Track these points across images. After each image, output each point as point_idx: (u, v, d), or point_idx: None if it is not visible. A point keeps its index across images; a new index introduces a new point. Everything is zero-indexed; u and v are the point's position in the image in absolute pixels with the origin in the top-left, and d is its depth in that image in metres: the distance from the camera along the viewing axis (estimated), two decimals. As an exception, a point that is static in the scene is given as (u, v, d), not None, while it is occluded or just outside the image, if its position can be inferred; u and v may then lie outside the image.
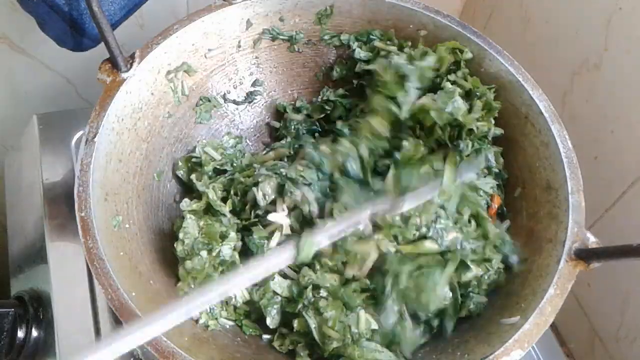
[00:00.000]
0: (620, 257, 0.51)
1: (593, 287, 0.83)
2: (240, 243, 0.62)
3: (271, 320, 0.59)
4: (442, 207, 0.61)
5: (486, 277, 0.59)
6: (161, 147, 0.67)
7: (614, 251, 0.52)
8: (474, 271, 0.59)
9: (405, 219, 0.59)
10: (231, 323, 0.61)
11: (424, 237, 0.59)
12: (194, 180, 0.66)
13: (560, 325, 0.87)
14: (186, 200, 0.63)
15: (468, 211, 0.62)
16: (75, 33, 0.64)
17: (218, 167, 0.68)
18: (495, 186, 0.65)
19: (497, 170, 0.67)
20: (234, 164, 0.69)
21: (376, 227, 0.60)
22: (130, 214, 0.60)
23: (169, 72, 0.66)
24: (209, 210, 0.63)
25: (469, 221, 0.62)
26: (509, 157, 0.67)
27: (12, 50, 0.83)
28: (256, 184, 0.63)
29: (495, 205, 0.65)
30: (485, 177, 0.65)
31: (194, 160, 0.68)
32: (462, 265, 0.59)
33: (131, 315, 0.49)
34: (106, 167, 0.58)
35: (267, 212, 0.62)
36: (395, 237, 0.59)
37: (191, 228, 0.59)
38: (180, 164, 0.68)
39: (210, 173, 0.67)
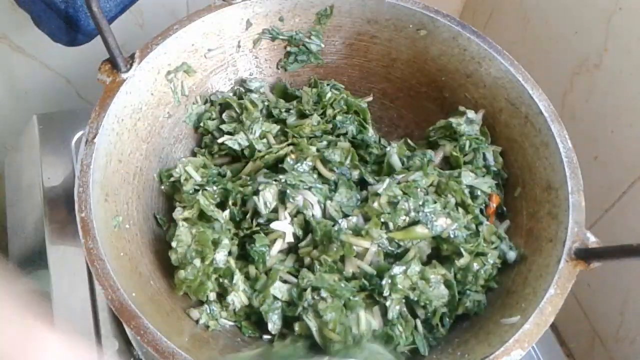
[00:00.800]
0: (620, 257, 0.51)
1: (593, 287, 0.83)
2: (235, 248, 0.62)
3: (272, 326, 0.59)
4: (426, 191, 0.62)
5: (482, 272, 0.59)
6: (161, 147, 0.67)
7: (614, 251, 0.52)
8: (467, 258, 0.59)
9: (393, 204, 0.60)
10: (231, 323, 0.60)
11: (414, 223, 0.60)
12: (177, 204, 0.64)
13: (560, 325, 0.87)
14: (179, 208, 0.63)
15: (452, 198, 0.62)
16: (70, 29, 0.64)
17: (197, 187, 0.65)
18: (493, 185, 0.65)
19: (495, 170, 0.67)
20: (216, 182, 0.65)
21: (366, 218, 0.60)
22: (130, 214, 0.60)
23: (168, 73, 0.66)
24: (203, 217, 0.62)
25: (457, 209, 0.62)
26: (509, 157, 0.67)
27: (12, 50, 0.83)
28: (256, 193, 0.62)
29: (493, 204, 0.65)
30: (483, 176, 0.65)
31: (172, 179, 0.66)
32: (456, 253, 0.60)
33: (131, 316, 0.49)
34: (106, 168, 0.58)
35: (269, 220, 0.62)
36: (386, 225, 0.59)
37: (184, 236, 0.58)
38: (163, 179, 0.66)
39: (190, 192, 0.64)
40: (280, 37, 0.73)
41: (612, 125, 0.77)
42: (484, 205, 0.65)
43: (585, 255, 0.54)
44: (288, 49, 0.74)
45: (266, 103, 0.71)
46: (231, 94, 0.73)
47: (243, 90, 0.73)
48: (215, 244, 0.59)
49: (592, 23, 0.77)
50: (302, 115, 0.71)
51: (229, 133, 0.69)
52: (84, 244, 0.51)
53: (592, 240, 0.55)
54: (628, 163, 0.75)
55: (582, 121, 0.81)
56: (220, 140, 0.68)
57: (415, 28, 0.70)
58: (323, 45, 0.74)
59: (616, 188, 0.77)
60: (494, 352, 0.51)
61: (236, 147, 0.67)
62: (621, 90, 0.75)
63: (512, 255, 0.61)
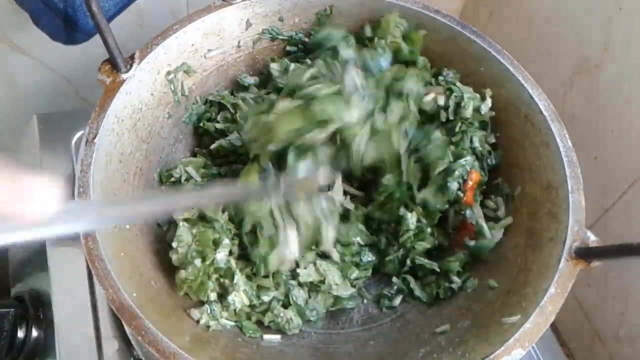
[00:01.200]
0: (621, 256, 0.51)
1: (593, 287, 0.83)
2: (236, 248, 0.62)
3: None
4: None
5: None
6: (161, 147, 0.67)
7: (614, 250, 0.52)
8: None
9: None
10: (232, 323, 0.60)
11: None
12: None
13: (560, 325, 0.87)
14: None
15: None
16: (68, 28, 0.65)
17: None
18: (473, 164, 0.65)
19: (480, 153, 0.67)
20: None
21: None
22: (131, 214, 0.60)
23: (168, 73, 0.66)
24: (203, 218, 0.62)
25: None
26: (510, 157, 0.67)
27: (12, 50, 0.83)
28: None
29: (471, 181, 0.65)
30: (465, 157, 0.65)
31: (172, 179, 0.66)
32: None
33: (132, 316, 0.49)
34: (106, 168, 0.58)
35: None
36: None
37: (185, 236, 0.58)
38: (163, 179, 0.66)
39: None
40: (280, 37, 0.73)
41: (612, 125, 0.77)
42: (461, 179, 0.65)
43: (585, 254, 0.54)
44: (288, 48, 0.74)
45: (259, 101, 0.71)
46: (228, 94, 0.73)
47: (237, 89, 0.73)
48: (216, 243, 0.59)
49: (592, 23, 0.77)
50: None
51: (224, 133, 0.69)
52: (85, 244, 0.51)
53: (592, 240, 0.55)
54: (628, 163, 0.75)
55: (582, 121, 0.81)
56: (213, 146, 0.68)
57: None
58: (323, 45, 0.74)
59: (616, 188, 0.77)
60: (494, 352, 0.51)
61: (230, 147, 0.67)
62: (621, 90, 0.75)
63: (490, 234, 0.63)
